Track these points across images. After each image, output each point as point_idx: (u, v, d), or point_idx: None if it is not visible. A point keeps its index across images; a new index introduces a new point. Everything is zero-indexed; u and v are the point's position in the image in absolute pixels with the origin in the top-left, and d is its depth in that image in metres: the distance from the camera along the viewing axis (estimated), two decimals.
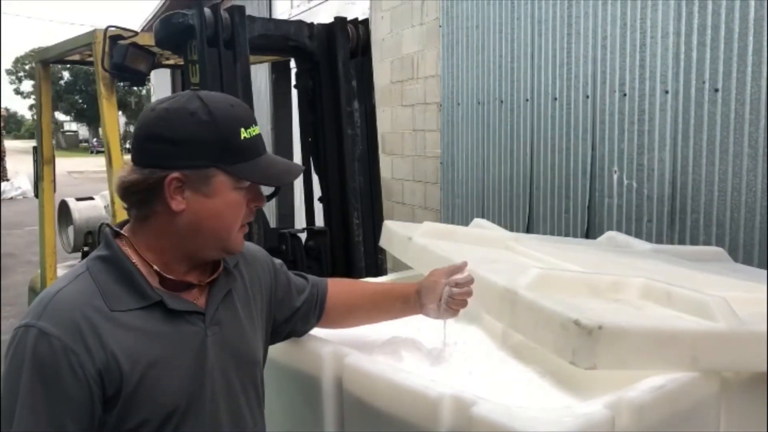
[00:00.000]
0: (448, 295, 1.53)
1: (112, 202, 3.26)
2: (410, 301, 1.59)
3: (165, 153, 1.17)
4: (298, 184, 7.53)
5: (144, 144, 1.19)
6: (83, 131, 58.18)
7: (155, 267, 1.21)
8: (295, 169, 1.31)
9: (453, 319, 1.90)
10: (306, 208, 3.40)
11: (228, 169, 1.19)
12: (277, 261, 1.55)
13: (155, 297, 1.19)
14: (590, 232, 3.61)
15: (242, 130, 1.21)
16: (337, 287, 1.63)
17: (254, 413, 1.35)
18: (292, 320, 1.54)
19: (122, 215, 1.37)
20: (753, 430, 1.50)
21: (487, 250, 2.12)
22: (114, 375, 1.12)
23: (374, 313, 1.66)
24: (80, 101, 50.63)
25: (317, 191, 3.28)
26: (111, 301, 1.16)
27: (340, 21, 3.09)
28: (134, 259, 1.21)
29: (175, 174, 1.17)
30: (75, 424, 1.10)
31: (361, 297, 1.66)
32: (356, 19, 3.19)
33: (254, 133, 1.23)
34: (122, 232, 1.25)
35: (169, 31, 2.73)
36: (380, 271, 3.07)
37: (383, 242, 2.40)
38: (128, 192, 1.21)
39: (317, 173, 3.23)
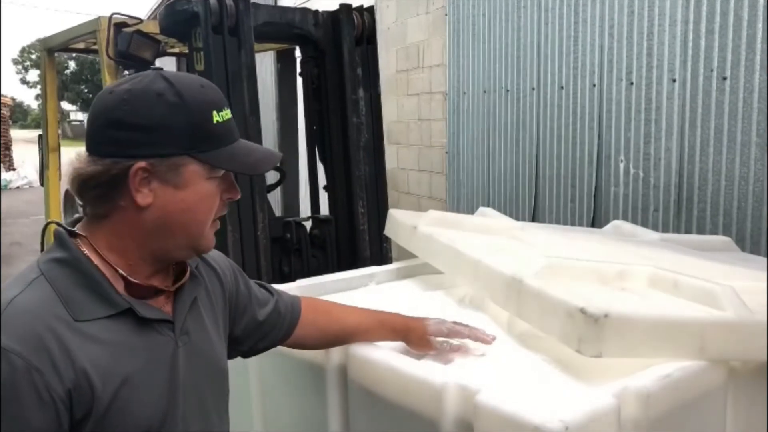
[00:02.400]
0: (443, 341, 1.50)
1: None
2: (398, 338, 1.54)
3: (129, 140, 1.03)
4: (303, 172, 7.52)
5: (103, 131, 1.05)
6: None
7: (120, 270, 1.07)
8: (273, 157, 1.18)
9: (458, 306, 1.91)
10: (311, 197, 3.40)
11: (201, 157, 1.07)
12: (238, 267, 1.42)
13: (124, 304, 1.05)
14: (596, 221, 3.59)
15: (215, 113, 1.09)
16: (313, 314, 1.50)
17: (224, 426, 1.25)
18: (253, 335, 1.40)
19: None
20: (760, 420, 1.49)
21: (492, 238, 2.12)
22: (85, 395, 0.98)
23: (349, 341, 1.54)
24: (86, 91, 50.66)
25: (322, 180, 3.28)
26: (74, 310, 1.01)
27: (345, 8, 3.08)
28: (96, 261, 1.07)
29: (142, 164, 1.03)
30: None
31: (338, 328, 1.53)
32: (362, 6, 3.17)
33: (227, 117, 1.11)
34: (78, 231, 1.09)
35: (174, 18, 2.72)
36: (385, 259, 3.07)
37: (388, 231, 2.39)
38: (86, 186, 1.06)
39: (322, 162, 3.22)
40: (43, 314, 0.99)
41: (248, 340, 1.40)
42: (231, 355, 1.35)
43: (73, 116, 59.73)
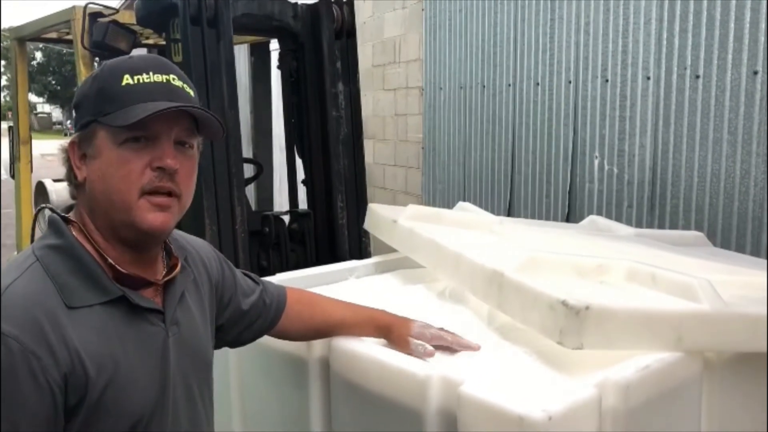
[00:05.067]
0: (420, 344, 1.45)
1: None
2: (380, 335, 1.52)
3: (72, 123, 1.14)
4: (278, 166, 7.48)
5: None
6: (57, 113, 57.18)
7: (110, 260, 1.07)
8: (161, 106, 1.04)
9: (438, 299, 1.92)
10: (289, 191, 3.39)
11: (103, 120, 1.05)
12: (223, 257, 1.41)
13: (117, 291, 1.06)
14: (571, 216, 3.64)
15: (126, 76, 1.06)
16: (298, 305, 1.50)
17: (209, 416, 1.26)
18: (238, 324, 1.40)
19: None
20: (733, 408, 1.53)
21: (473, 233, 2.13)
22: (79, 380, 0.99)
23: (333, 334, 1.53)
24: (53, 83, 49.69)
25: (300, 173, 3.26)
26: (68, 296, 1.02)
27: (325, 1, 3.06)
28: (88, 248, 1.08)
29: (74, 139, 1.10)
30: None
31: (323, 321, 1.52)
32: (341, 0, 3.16)
33: (146, 80, 1.07)
34: (70, 217, 1.11)
35: (151, 8, 2.68)
36: (364, 254, 3.07)
37: (368, 225, 2.39)
38: (67, 174, 1.13)
39: (300, 156, 3.21)
40: (39, 300, 1.00)
41: (233, 329, 1.40)
42: (217, 345, 1.36)
43: (39, 108, 58.59)
